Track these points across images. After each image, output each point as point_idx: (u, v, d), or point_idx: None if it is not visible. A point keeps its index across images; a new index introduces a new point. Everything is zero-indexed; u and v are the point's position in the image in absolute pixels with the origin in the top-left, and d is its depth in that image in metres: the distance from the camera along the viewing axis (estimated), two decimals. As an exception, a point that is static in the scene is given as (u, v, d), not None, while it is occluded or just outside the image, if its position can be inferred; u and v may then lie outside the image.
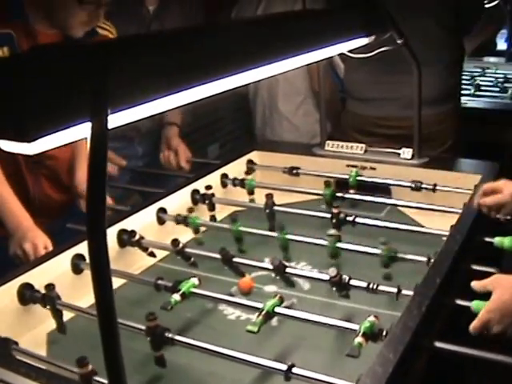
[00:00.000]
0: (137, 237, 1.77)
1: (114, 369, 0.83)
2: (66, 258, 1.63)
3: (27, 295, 1.49)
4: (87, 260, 1.63)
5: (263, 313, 1.36)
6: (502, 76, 4.04)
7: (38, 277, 1.54)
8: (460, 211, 1.86)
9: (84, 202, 2.15)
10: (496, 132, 3.16)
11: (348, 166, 2.35)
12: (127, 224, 1.81)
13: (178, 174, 2.48)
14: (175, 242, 1.73)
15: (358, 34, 1.85)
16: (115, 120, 0.83)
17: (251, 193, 2.22)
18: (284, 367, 1.18)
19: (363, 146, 2.39)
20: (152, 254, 1.79)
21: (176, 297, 1.46)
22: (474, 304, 1.34)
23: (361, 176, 2.22)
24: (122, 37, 0.86)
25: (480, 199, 1.74)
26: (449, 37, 2.50)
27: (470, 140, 2.71)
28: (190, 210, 1.94)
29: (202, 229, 1.99)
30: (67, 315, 1.51)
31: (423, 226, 1.94)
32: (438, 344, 1.24)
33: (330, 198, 2.11)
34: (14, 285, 1.50)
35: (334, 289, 1.53)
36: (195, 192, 2.10)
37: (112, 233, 1.75)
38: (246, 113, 3.40)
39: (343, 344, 1.39)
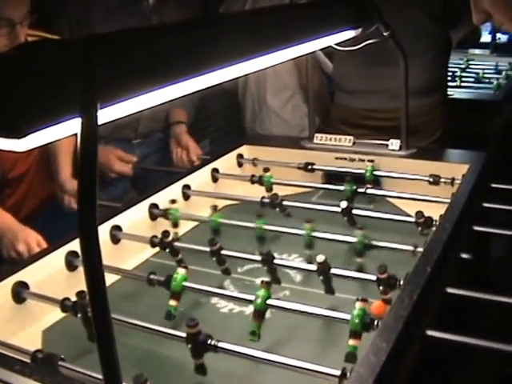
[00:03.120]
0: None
1: (109, 364, 0.84)
2: (59, 256, 1.63)
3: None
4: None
5: (256, 314, 1.37)
6: (486, 67, 4.08)
7: (32, 275, 1.55)
8: (448, 201, 1.88)
9: (69, 197, 2.20)
10: (481, 122, 3.19)
11: (337, 158, 2.37)
12: (119, 220, 1.81)
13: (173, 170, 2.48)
14: (165, 233, 1.74)
15: (345, 27, 1.85)
16: (106, 115, 0.84)
17: (270, 189, 2.22)
18: (278, 358, 1.20)
19: (351, 138, 2.41)
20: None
21: (172, 303, 1.48)
22: None
23: (378, 170, 2.23)
24: (111, 31, 0.87)
25: None
26: (436, 28, 2.51)
27: (456, 131, 2.73)
28: (173, 202, 1.94)
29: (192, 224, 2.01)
30: (61, 314, 1.51)
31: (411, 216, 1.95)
32: (430, 332, 1.25)
33: (350, 194, 2.10)
34: (9, 283, 1.50)
35: (321, 278, 1.54)
36: (186, 187, 2.11)
37: (104, 229, 1.76)
38: (236, 108, 3.41)
39: (336, 333, 1.42)
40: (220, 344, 1.25)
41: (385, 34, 2.04)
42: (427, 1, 2.47)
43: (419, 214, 1.81)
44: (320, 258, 1.53)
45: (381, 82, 2.55)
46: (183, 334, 1.26)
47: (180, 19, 1.95)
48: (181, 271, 1.50)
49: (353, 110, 2.68)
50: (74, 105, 0.78)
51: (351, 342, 1.26)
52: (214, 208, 1.95)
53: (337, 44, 2.04)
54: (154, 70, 0.90)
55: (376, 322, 1.26)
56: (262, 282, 1.41)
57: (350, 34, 1.90)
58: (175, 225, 1.94)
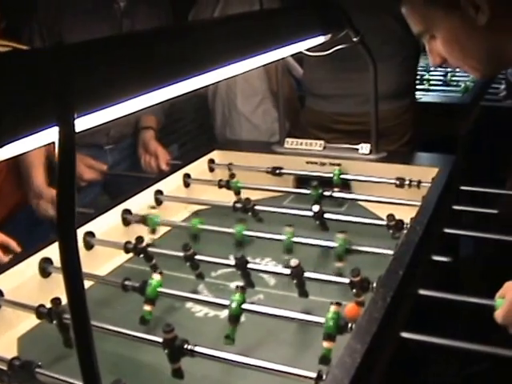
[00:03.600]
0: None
1: (90, 370, 0.84)
2: (33, 263, 1.63)
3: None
4: (55, 263, 1.65)
5: (231, 318, 1.38)
6: (453, 70, 4.12)
7: (6, 282, 1.55)
8: (418, 203, 1.91)
9: (46, 204, 2.19)
10: (450, 125, 3.23)
11: (308, 162, 2.39)
12: (92, 226, 1.81)
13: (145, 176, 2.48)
14: (139, 239, 1.74)
15: (315, 33, 1.87)
16: (83, 123, 0.84)
17: (238, 194, 2.24)
18: (255, 362, 1.21)
19: (322, 142, 2.43)
20: None
21: (147, 308, 1.48)
22: (497, 302, 1.38)
23: (346, 174, 2.26)
24: (86, 40, 0.88)
25: None
26: (405, 32, 2.53)
27: (425, 134, 2.76)
28: (153, 208, 1.95)
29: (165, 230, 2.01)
30: (36, 320, 1.51)
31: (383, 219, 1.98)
32: (404, 334, 1.27)
33: (317, 198, 2.12)
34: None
35: (295, 281, 1.56)
36: (158, 192, 2.11)
37: (78, 235, 1.75)
38: (205, 113, 3.42)
39: (310, 336, 1.44)
40: (196, 348, 1.26)
41: (354, 39, 2.07)
42: (396, 6, 2.49)
43: (390, 217, 1.83)
44: (294, 261, 1.55)
45: (351, 86, 2.58)
46: (160, 339, 1.27)
47: (152, 27, 1.97)
48: (155, 277, 1.50)
49: (323, 114, 2.70)
50: (51, 114, 0.78)
51: (325, 344, 1.28)
52: (195, 213, 1.95)
53: (307, 49, 2.06)
54: (127, 79, 0.91)
55: (350, 325, 1.27)
56: (237, 286, 1.43)
57: (320, 39, 1.92)
58: (153, 231, 1.94)
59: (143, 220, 1.93)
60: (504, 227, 1.92)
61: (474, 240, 2.45)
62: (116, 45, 0.93)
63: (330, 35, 1.96)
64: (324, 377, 1.12)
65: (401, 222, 1.82)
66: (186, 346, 1.26)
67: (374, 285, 1.46)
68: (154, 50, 1.00)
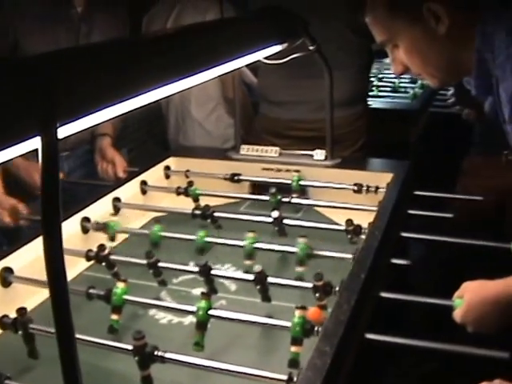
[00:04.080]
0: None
1: (71, 374, 0.85)
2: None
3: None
4: (15, 273, 1.64)
5: (198, 325, 1.39)
6: (402, 77, 4.19)
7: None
8: (374, 208, 1.95)
9: (2, 211, 2.16)
10: (400, 132, 3.30)
11: (263, 169, 2.41)
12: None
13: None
14: (100, 247, 1.74)
15: (273, 42, 1.89)
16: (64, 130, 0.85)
17: (196, 200, 2.25)
18: (227, 366, 1.23)
19: (277, 149, 2.46)
20: None
21: (114, 317, 1.49)
22: (456, 302, 1.46)
23: (304, 180, 2.29)
24: (64, 49, 0.88)
25: None
26: (359, 41, 2.59)
27: (376, 140, 2.82)
28: (113, 215, 1.95)
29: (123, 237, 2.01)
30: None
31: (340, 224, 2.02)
32: (369, 335, 1.31)
33: (276, 204, 2.15)
34: None
35: (258, 287, 1.59)
36: (116, 200, 2.11)
37: (37, 244, 1.74)
38: (155, 118, 3.42)
39: (275, 340, 1.46)
40: (167, 355, 1.26)
41: (311, 47, 2.10)
42: (350, 15, 2.55)
43: (349, 222, 1.87)
44: (257, 267, 1.57)
45: (306, 93, 2.61)
46: (130, 347, 1.27)
47: (117, 38, 1.96)
48: (120, 285, 1.50)
49: (278, 121, 2.73)
50: (34, 124, 0.78)
51: (293, 348, 1.30)
52: (156, 220, 1.95)
53: (264, 57, 2.08)
54: (105, 87, 0.92)
55: (316, 328, 1.30)
56: (202, 293, 1.44)
57: (277, 48, 1.95)
58: (112, 238, 1.94)
59: (104, 227, 1.92)
60: (456, 230, 1.98)
61: (425, 243, 2.52)
62: (92, 54, 0.94)
63: (286, 44, 1.99)
64: (295, 379, 1.14)
65: (359, 227, 1.86)
66: (156, 353, 1.26)
67: (337, 288, 1.49)
68: (127, 60, 1.01)
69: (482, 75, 1.35)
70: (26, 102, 0.79)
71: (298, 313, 1.32)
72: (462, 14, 1.34)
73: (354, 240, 1.87)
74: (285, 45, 1.99)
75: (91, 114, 0.87)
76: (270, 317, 1.45)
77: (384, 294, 1.48)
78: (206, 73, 1.45)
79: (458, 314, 1.45)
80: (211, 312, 1.40)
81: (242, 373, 1.21)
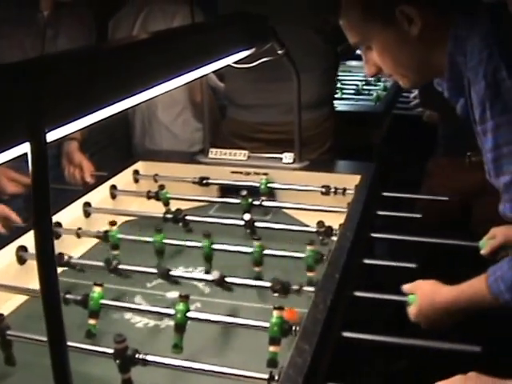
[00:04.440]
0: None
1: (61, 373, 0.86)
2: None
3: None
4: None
5: (177, 327, 1.41)
6: (365, 79, 4.25)
7: None
8: (345, 210, 1.98)
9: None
10: (364, 134, 3.35)
11: (232, 172, 2.43)
12: (24, 241, 1.79)
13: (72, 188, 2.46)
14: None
15: (242, 47, 1.91)
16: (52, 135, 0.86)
17: (167, 204, 2.25)
18: (207, 367, 1.24)
19: (246, 152, 2.48)
20: None
21: (92, 321, 1.50)
22: (410, 298, 1.53)
23: (272, 183, 2.31)
24: (51, 55, 0.89)
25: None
26: (325, 44, 2.63)
27: (342, 142, 2.86)
28: (112, 224, 1.94)
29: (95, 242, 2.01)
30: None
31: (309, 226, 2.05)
32: (345, 333, 1.34)
33: (246, 207, 2.17)
34: None
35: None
36: (86, 204, 2.11)
37: (10, 250, 1.74)
38: (118, 122, 3.41)
39: (252, 340, 1.47)
40: (148, 357, 1.27)
41: (279, 51, 2.13)
42: (316, 18, 2.58)
43: (320, 223, 1.90)
44: (215, 274, 1.60)
45: (273, 96, 2.64)
46: (110, 350, 1.28)
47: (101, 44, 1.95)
48: (97, 289, 1.51)
49: (245, 124, 2.75)
50: (23, 130, 0.79)
51: (272, 348, 1.32)
52: (112, 223, 1.96)
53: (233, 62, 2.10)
54: (91, 94, 0.93)
55: (294, 328, 1.32)
56: (180, 296, 1.45)
57: (246, 52, 1.96)
58: (115, 247, 1.93)
59: (105, 236, 1.93)
60: (423, 230, 2.03)
61: (389, 242, 2.57)
62: (81, 60, 0.95)
63: (255, 48, 2.01)
64: (276, 377, 1.16)
65: (330, 228, 1.89)
66: (137, 356, 1.27)
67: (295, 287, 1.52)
68: (107, 67, 1.02)
69: (454, 77, 1.39)
70: (15, 110, 0.80)
71: (275, 313, 1.34)
72: (434, 17, 1.38)
73: (325, 241, 1.90)
74: (253, 49, 2.01)
75: (78, 119, 0.88)
76: (236, 317, 1.47)
77: (358, 294, 1.51)
78: (176, 80, 1.46)
79: (411, 313, 1.52)
80: (189, 314, 1.41)
81: (224, 373, 1.23)
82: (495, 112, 1.27)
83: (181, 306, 1.41)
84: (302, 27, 2.54)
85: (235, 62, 2.10)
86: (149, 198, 2.26)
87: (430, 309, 1.50)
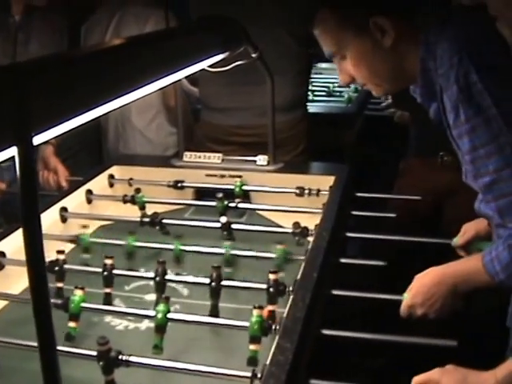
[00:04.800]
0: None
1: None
2: None
3: None
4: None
5: (157, 328, 1.42)
6: (335, 81, 4.26)
7: None
8: (319, 211, 2.01)
9: None
10: (336, 135, 3.38)
11: (207, 175, 2.45)
12: (2, 246, 1.79)
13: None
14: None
15: (216, 51, 1.92)
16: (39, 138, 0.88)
17: (143, 208, 2.26)
18: (190, 366, 1.26)
19: (220, 155, 2.50)
20: None
21: (72, 324, 1.50)
22: (404, 296, 1.54)
23: (247, 185, 2.34)
24: (36, 59, 0.91)
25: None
26: (299, 47, 2.65)
27: (316, 144, 2.89)
28: (85, 227, 1.95)
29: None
30: None
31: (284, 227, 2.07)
32: (325, 331, 1.36)
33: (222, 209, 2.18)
34: None
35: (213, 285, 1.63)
36: (63, 209, 2.11)
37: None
38: (89, 127, 3.39)
39: (230, 340, 1.51)
40: (131, 358, 1.28)
41: (253, 55, 2.15)
42: (290, 21, 2.61)
43: (296, 224, 1.92)
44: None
45: (247, 99, 2.66)
46: (94, 353, 1.28)
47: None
48: (78, 293, 1.51)
49: (219, 127, 2.77)
50: (9, 135, 0.81)
51: (252, 347, 1.34)
52: (85, 227, 1.97)
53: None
54: (76, 97, 0.94)
55: (274, 327, 1.34)
56: (162, 297, 1.47)
57: (220, 56, 1.98)
58: (86, 250, 1.95)
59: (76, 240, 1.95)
60: (396, 229, 2.07)
61: (360, 243, 2.61)
62: (66, 64, 0.97)
63: (229, 52, 2.02)
64: (259, 375, 1.18)
65: (306, 228, 1.91)
66: (120, 357, 1.28)
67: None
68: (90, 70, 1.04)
69: (427, 83, 1.43)
70: (1, 115, 0.81)
71: (255, 312, 1.36)
72: (407, 27, 1.42)
73: (301, 242, 1.92)
74: (227, 53, 2.02)
75: (64, 122, 0.89)
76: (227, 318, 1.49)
77: (336, 292, 1.53)
78: (152, 85, 1.46)
79: (406, 302, 1.53)
80: (170, 315, 1.42)
81: (207, 372, 1.24)
82: (469, 115, 1.31)
83: (161, 307, 1.43)
84: (276, 30, 2.56)
85: (209, 66, 2.12)
86: (125, 202, 2.26)
87: (428, 285, 1.51)
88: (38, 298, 0.82)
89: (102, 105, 1.01)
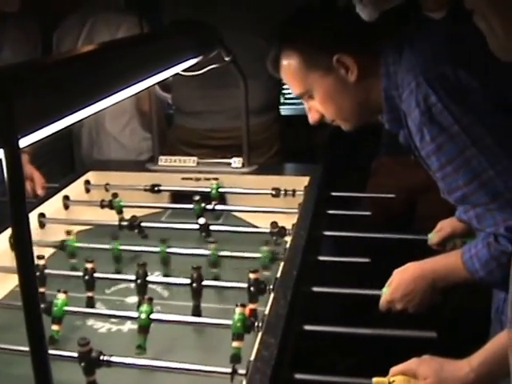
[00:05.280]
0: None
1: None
2: None
3: None
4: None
5: (141, 329, 1.44)
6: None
7: None
8: (296, 211, 2.04)
9: None
10: (308, 137, 3.41)
11: (183, 178, 2.47)
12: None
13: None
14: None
15: (190, 55, 1.93)
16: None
17: (120, 212, 2.27)
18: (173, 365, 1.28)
19: (195, 158, 2.52)
20: None
21: (55, 327, 1.51)
22: (383, 291, 1.58)
23: (223, 187, 2.35)
24: (21, 63, 0.93)
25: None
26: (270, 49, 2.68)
27: (288, 145, 2.92)
28: (69, 233, 1.96)
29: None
30: None
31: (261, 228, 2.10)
32: (307, 327, 1.39)
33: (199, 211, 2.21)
34: None
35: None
36: (41, 215, 2.11)
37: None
38: (60, 135, 3.38)
39: (212, 339, 1.53)
40: (112, 358, 1.30)
41: (226, 58, 2.17)
42: (261, 24, 2.63)
43: (274, 224, 1.95)
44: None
45: (220, 102, 2.69)
46: (75, 354, 1.29)
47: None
48: (60, 296, 1.52)
49: (193, 131, 2.79)
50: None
51: (235, 344, 1.37)
52: (68, 233, 1.98)
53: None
54: (61, 100, 0.96)
55: (257, 324, 1.36)
56: (144, 298, 1.49)
57: (193, 60, 2.00)
58: (73, 255, 1.96)
59: (62, 246, 1.96)
60: (372, 227, 2.10)
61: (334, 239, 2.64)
62: (51, 67, 0.98)
63: (203, 55, 2.04)
64: (243, 371, 1.20)
65: (283, 228, 1.94)
66: (102, 358, 1.30)
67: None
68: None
69: (392, 110, 1.51)
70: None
71: (238, 310, 1.39)
72: (367, 61, 1.50)
73: (279, 241, 1.95)
74: (201, 57, 2.04)
75: (50, 124, 0.91)
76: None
77: (316, 289, 1.56)
78: (126, 91, 1.47)
79: (385, 297, 1.56)
80: (153, 316, 1.44)
81: (188, 369, 1.27)
82: (433, 135, 1.37)
83: (145, 308, 1.44)
84: (249, 34, 2.59)
85: (183, 70, 2.13)
86: (102, 206, 2.27)
87: (407, 280, 1.55)
88: (29, 299, 0.84)
89: (81, 109, 1.03)
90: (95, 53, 1.25)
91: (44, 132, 0.92)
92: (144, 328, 1.44)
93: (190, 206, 2.22)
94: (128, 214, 2.20)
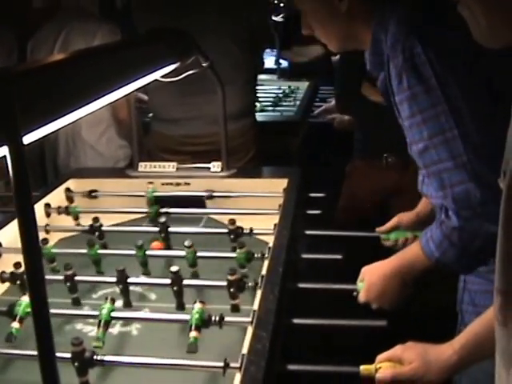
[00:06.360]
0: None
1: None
2: None
3: None
4: None
5: (102, 324, 1.46)
6: (279, 91, 4.45)
7: None
8: (276, 211, 2.08)
9: None
10: (282, 142, 3.46)
11: (163, 184, 2.49)
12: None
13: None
14: (16, 265, 1.75)
15: (167, 62, 1.96)
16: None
17: (76, 218, 2.28)
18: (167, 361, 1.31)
19: (174, 164, 2.54)
20: None
21: (15, 325, 1.49)
22: (359, 285, 1.64)
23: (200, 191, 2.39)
24: (23, 64, 0.95)
25: None
26: (246, 56, 2.73)
27: (264, 150, 2.96)
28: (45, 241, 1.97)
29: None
30: None
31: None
32: (296, 320, 1.43)
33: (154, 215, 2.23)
34: None
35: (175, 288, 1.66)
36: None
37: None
38: (32, 146, 3.38)
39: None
40: (106, 358, 1.32)
41: (204, 64, 2.20)
42: (237, 30, 2.67)
43: (232, 220, 1.99)
44: (173, 268, 1.65)
45: (197, 108, 2.72)
46: (68, 355, 1.30)
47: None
48: (24, 299, 1.52)
49: (171, 138, 2.82)
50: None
51: (193, 334, 1.38)
52: (45, 240, 1.99)
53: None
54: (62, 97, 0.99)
55: (214, 319, 1.39)
56: (106, 297, 1.52)
57: (171, 67, 2.02)
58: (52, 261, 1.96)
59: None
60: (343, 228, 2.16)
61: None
62: (50, 67, 1.01)
63: (180, 62, 2.07)
64: (238, 365, 1.24)
65: (241, 228, 1.98)
66: (95, 357, 1.31)
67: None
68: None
69: (376, 52, 1.57)
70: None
71: (197, 305, 1.41)
72: (363, 2, 1.56)
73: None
74: (178, 63, 2.07)
75: (51, 122, 0.94)
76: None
77: (302, 285, 1.61)
78: (104, 98, 1.48)
79: (361, 296, 1.62)
80: (113, 314, 1.49)
81: (182, 365, 1.30)
82: (411, 83, 1.43)
83: (107, 305, 1.48)
84: (224, 41, 2.63)
85: (161, 76, 2.16)
86: (59, 213, 2.31)
87: (378, 282, 1.61)
88: (38, 307, 0.86)
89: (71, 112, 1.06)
90: (71, 60, 1.27)
91: (46, 129, 0.95)
92: (105, 323, 1.46)
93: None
94: (111, 220, 2.21)
